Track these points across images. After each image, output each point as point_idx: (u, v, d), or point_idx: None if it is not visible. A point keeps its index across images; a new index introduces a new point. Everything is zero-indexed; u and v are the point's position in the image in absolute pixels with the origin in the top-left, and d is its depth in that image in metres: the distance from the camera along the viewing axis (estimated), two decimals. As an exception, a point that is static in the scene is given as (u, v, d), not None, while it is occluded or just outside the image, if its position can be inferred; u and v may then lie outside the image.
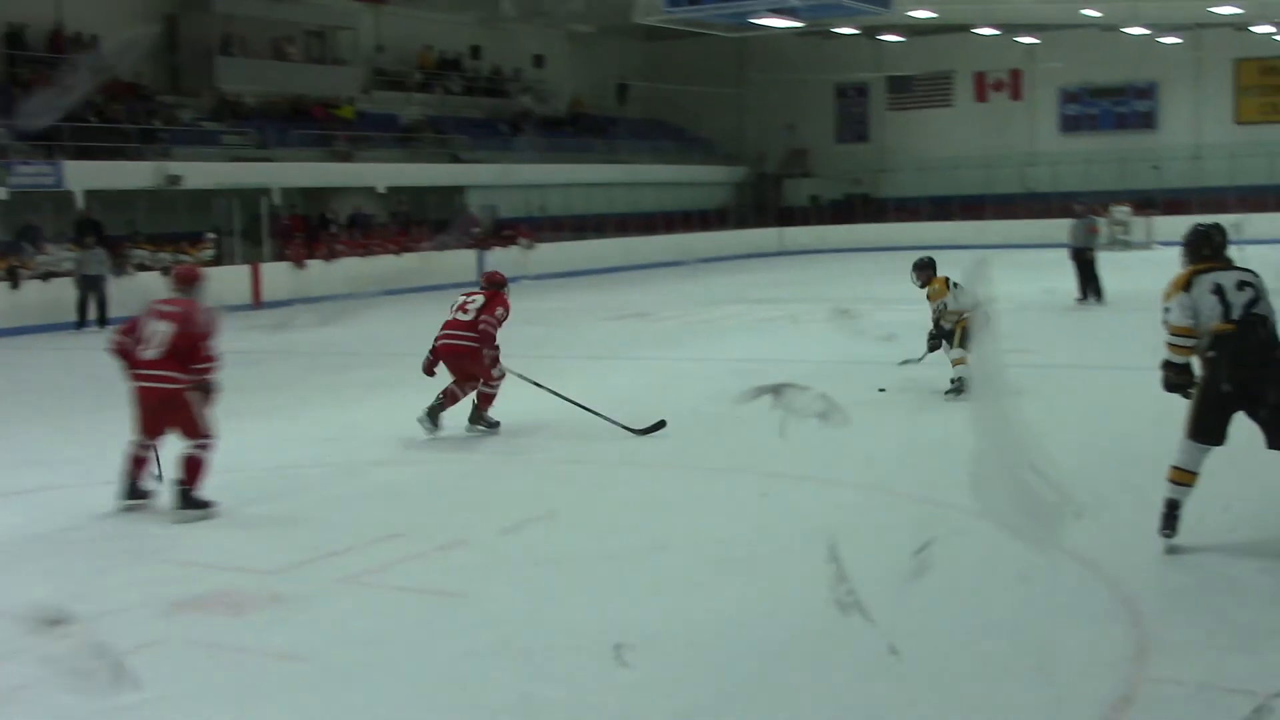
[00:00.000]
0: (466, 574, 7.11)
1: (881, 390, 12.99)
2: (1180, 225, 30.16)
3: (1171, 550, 6.83)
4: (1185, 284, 6.88)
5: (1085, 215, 22.67)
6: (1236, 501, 7.83)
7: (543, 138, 39.64)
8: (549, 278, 32.75)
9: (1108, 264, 22.69)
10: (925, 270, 13.13)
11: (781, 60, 44.71)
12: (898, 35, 43.11)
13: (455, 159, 35.92)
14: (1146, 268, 28.92)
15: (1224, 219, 8.14)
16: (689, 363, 16.53)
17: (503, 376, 11.20)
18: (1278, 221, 36.50)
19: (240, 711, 5.30)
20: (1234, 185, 39.67)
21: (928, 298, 12.97)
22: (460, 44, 40.06)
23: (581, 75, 43.90)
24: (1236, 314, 6.73)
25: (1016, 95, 45.43)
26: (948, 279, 12.78)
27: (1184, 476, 6.88)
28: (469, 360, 11.08)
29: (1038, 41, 42.81)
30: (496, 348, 11.17)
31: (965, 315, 12.41)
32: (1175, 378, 6.92)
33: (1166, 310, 6.89)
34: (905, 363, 13.84)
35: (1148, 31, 39.81)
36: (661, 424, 10.93)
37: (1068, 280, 21.87)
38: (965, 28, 40.55)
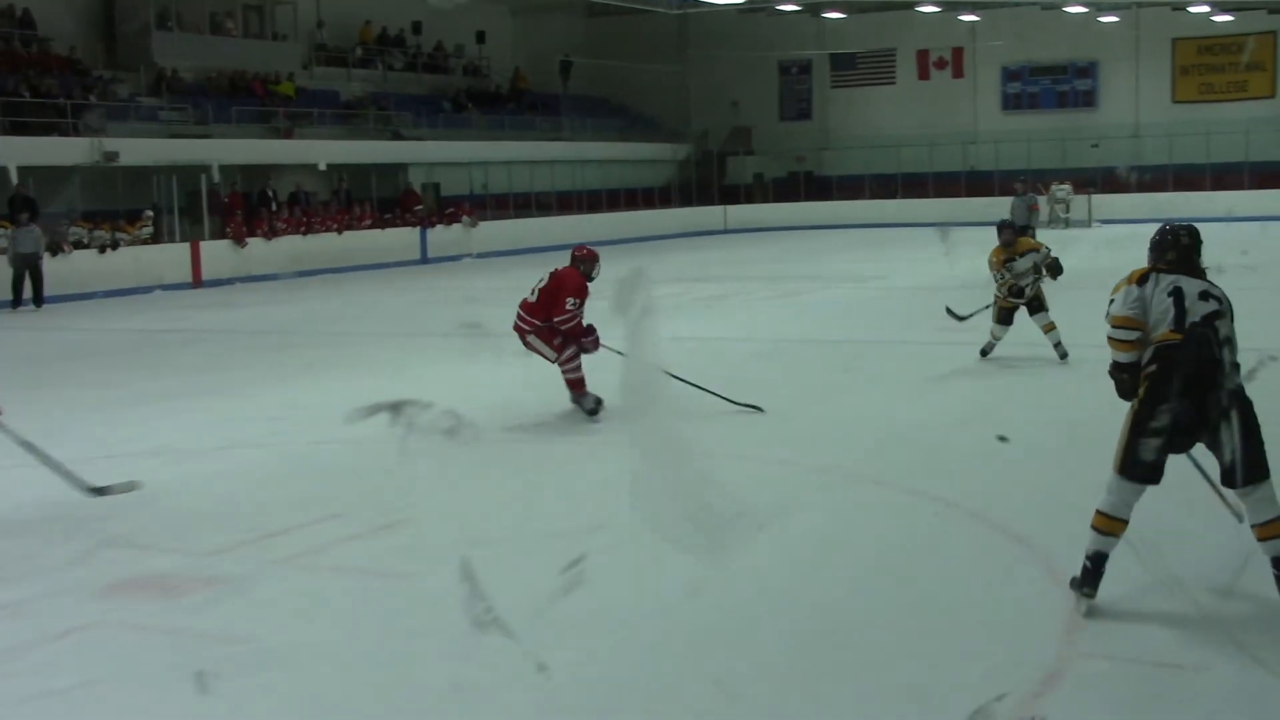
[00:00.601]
0: (404, 555, 7.08)
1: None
2: (1119, 203, 30.85)
3: (1090, 613, 5.71)
4: (1139, 279, 5.91)
5: (1026, 193, 22.89)
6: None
7: (485, 115, 39.47)
8: (492, 256, 32.69)
9: (1048, 242, 22.83)
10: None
11: (724, 37, 44.72)
12: (840, 12, 43.20)
13: (397, 136, 35.71)
14: (1087, 245, 29.22)
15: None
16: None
17: (575, 356, 10.92)
18: (1215, 200, 36.93)
19: (167, 694, 5.26)
20: (1172, 163, 40.07)
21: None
22: (402, 20, 39.76)
23: (524, 52, 43.71)
24: (1190, 322, 5.71)
25: (959, 73, 45.64)
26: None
27: (1112, 525, 5.78)
28: (535, 341, 10.97)
29: (979, 19, 43.03)
30: (586, 336, 11.00)
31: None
32: (1130, 380, 5.89)
33: (1110, 303, 5.94)
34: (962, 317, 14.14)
35: (1087, 10, 40.12)
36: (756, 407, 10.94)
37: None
38: (908, 5, 40.73)
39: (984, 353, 13.33)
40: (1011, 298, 13.12)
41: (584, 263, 11.19)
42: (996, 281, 13.25)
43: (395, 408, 7.00)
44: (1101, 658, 5.29)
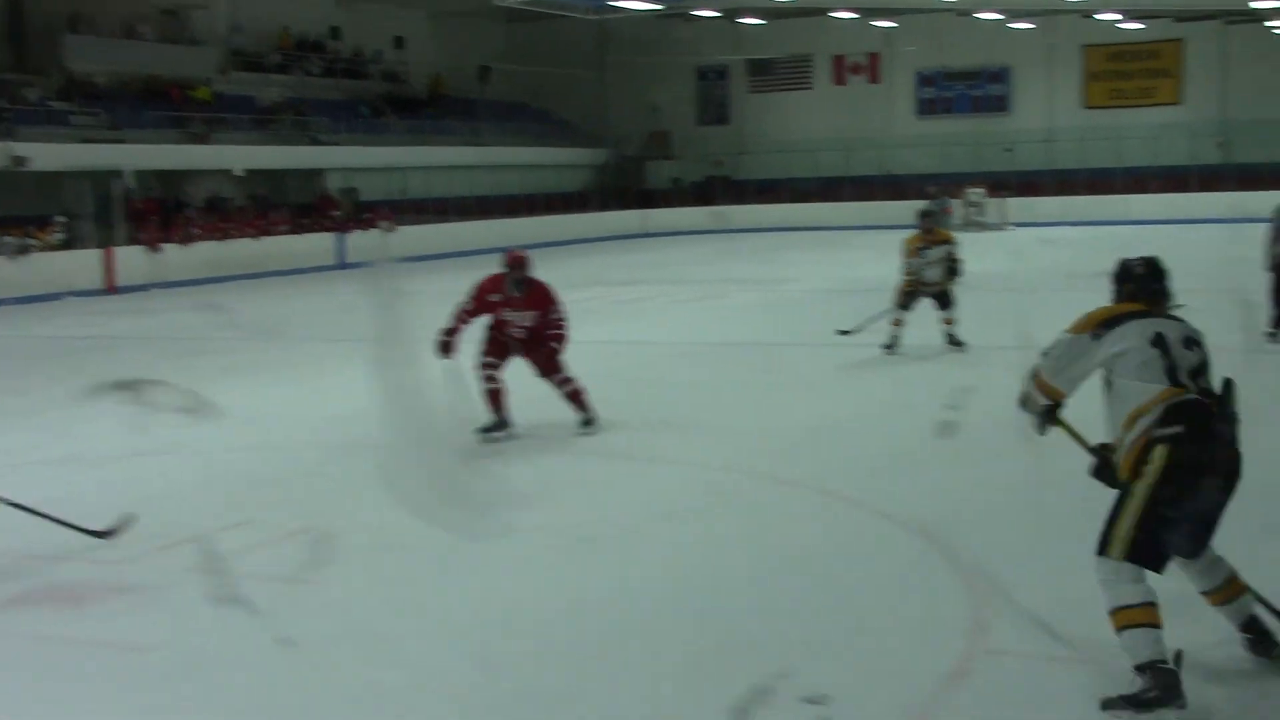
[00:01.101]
0: (312, 561, 7.04)
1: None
2: (1034, 207, 31.04)
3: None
4: (1104, 321, 5.06)
5: (940, 197, 23.10)
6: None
7: (403, 119, 39.28)
8: (410, 261, 32.47)
9: (962, 245, 23.07)
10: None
11: (642, 43, 44.85)
12: (757, 18, 43.44)
13: (315, 141, 35.44)
14: (1000, 249, 29.57)
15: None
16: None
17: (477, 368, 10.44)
18: (1121, 204, 37.59)
19: (69, 705, 5.21)
20: (1083, 167, 40.67)
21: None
22: (319, 25, 39.47)
23: (443, 57, 43.53)
24: (1185, 378, 4.86)
25: (874, 78, 46.05)
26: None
27: (1148, 614, 4.68)
28: None
29: (895, 25, 43.42)
30: (454, 336, 10.36)
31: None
32: (1034, 407, 5.25)
33: (1051, 349, 5.19)
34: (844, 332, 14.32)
35: (1000, 17, 40.62)
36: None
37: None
38: (823, 11, 41.00)
39: (888, 347, 13.73)
40: (921, 284, 13.72)
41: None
42: (906, 268, 13.79)
43: (130, 385, 6.95)
44: (1007, 654, 5.37)
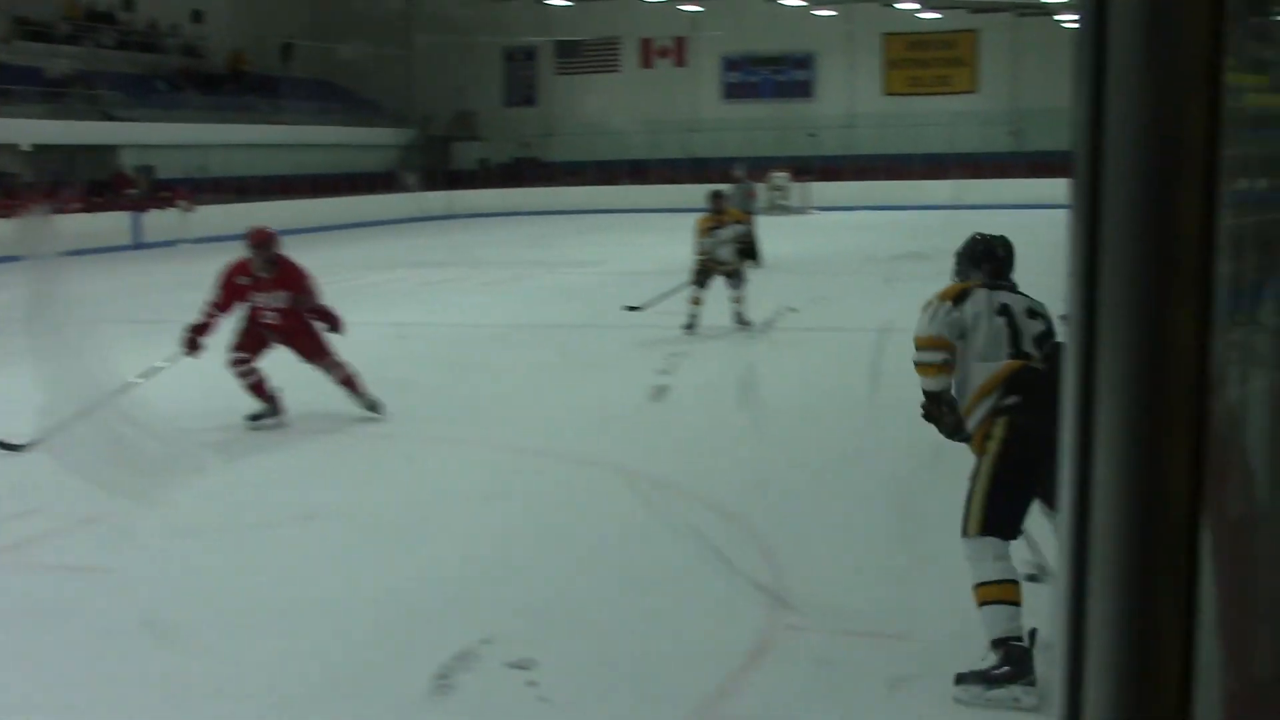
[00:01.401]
0: (107, 548, 6.82)
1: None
2: (836, 191, 31.54)
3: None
4: (955, 296, 5.11)
5: (744, 180, 23.35)
6: (866, 454, 8.23)
7: (203, 96, 38.25)
8: (210, 241, 31.65)
9: (766, 228, 23.43)
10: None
11: (450, 22, 44.40)
12: (565, 0, 43.40)
13: (108, 116, 34.28)
14: (803, 231, 30.08)
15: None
16: (355, 327, 16.21)
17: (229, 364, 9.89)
18: (921, 189, 38.52)
19: None
20: (883, 153, 41.61)
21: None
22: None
23: (242, 32, 42.50)
24: (1030, 346, 5.02)
25: (681, 62, 46.40)
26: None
27: (1008, 591, 4.77)
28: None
29: (701, 10, 43.79)
30: (204, 334, 9.83)
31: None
32: (950, 414, 5.10)
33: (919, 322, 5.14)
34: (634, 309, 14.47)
35: (804, 3, 41.27)
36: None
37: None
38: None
39: (688, 327, 13.95)
40: (713, 263, 14.03)
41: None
42: (698, 248, 14.11)
43: None
44: (806, 629, 5.46)
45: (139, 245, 30.89)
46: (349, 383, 10.01)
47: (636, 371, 12.37)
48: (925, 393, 5.09)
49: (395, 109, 46.38)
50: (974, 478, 4.93)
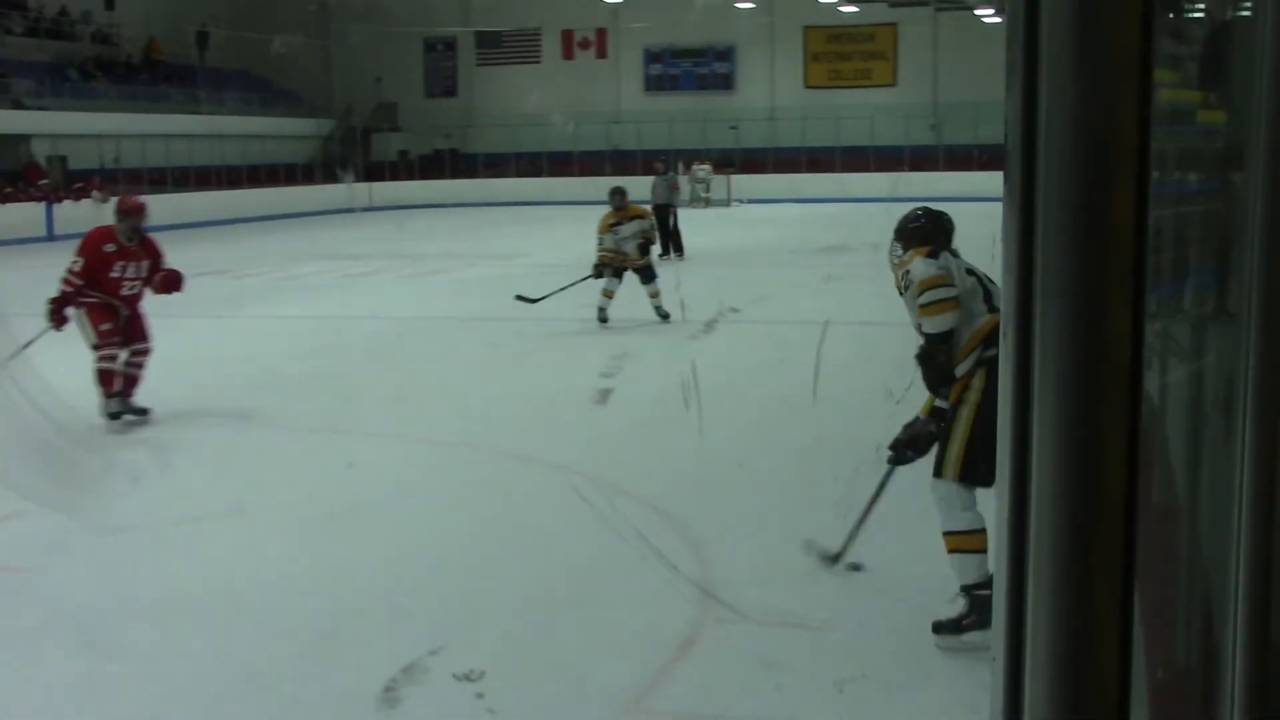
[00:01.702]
0: (25, 547, 6.70)
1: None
2: (757, 184, 31.57)
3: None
4: (929, 254, 5.20)
5: (667, 173, 23.37)
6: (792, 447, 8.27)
7: (116, 85, 37.67)
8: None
9: (689, 220, 23.47)
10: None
11: (369, 11, 44.02)
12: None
13: (18, 105, 33.65)
14: (726, 224, 30.17)
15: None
16: (272, 320, 16.10)
17: (97, 348, 9.50)
18: (842, 182, 38.74)
19: None
20: (805, 146, 41.80)
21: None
22: (23, -18, 37.51)
23: (157, 20, 41.89)
24: (998, 302, 4.91)
25: (602, 54, 46.37)
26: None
27: (976, 540, 4.99)
28: None
29: (622, 1, 43.76)
30: (68, 305, 9.55)
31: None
32: (945, 360, 5.10)
33: (906, 274, 5.16)
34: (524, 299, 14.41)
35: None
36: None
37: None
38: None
39: (602, 319, 14.06)
40: (618, 258, 14.12)
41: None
42: (600, 244, 14.18)
43: None
44: (734, 621, 5.48)
45: (52, 237, 30.36)
46: (133, 378, 9.61)
47: (564, 365, 12.36)
48: (930, 335, 5.06)
49: (314, 100, 45.94)
50: (952, 425, 5.05)
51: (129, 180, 34.43)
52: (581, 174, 41.88)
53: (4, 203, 30.37)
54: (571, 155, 43.20)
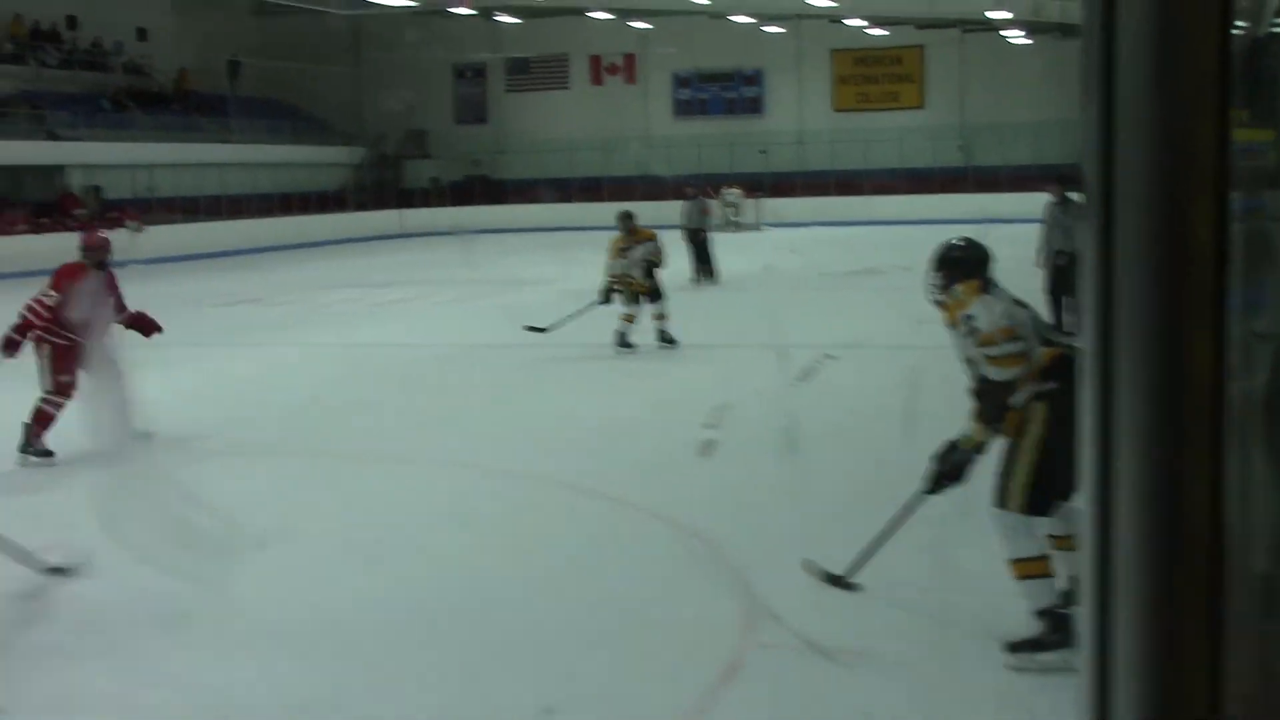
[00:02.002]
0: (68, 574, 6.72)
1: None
2: (788, 207, 31.50)
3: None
4: (979, 290, 5.30)
5: (698, 197, 23.37)
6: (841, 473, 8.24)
7: (149, 115, 37.98)
8: (159, 262, 31.43)
9: (720, 244, 23.46)
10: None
11: (399, 40, 44.27)
12: (514, 17, 43.36)
13: (53, 136, 33.97)
14: (757, 248, 30.15)
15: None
16: (307, 348, 16.17)
17: (49, 394, 9.40)
18: (871, 205, 38.72)
19: None
20: (834, 169, 41.79)
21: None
22: (55, 13, 37.87)
23: (188, 51, 42.24)
24: (1048, 334, 5.35)
25: (631, 79, 46.48)
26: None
27: (1043, 565, 5.11)
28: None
29: (650, 27, 43.88)
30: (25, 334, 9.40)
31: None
32: (1000, 401, 5.18)
33: (970, 318, 5.20)
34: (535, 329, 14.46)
35: (753, 20, 41.42)
36: None
37: (683, 260, 22.48)
38: (580, 11, 41.17)
39: (623, 345, 14.03)
40: (626, 282, 14.09)
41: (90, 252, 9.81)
42: (609, 269, 14.21)
43: None
44: (777, 648, 5.46)
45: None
46: (48, 410, 9.46)
47: (594, 390, 12.37)
48: (992, 382, 5.14)
49: (345, 128, 46.20)
50: (1014, 455, 5.12)
51: (162, 209, 34.72)
52: (611, 199, 41.89)
53: (40, 233, 30.60)
54: (601, 180, 43.28)
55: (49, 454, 9.43)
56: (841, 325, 15.75)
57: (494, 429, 10.57)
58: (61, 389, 9.44)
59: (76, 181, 34.03)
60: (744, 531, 7.14)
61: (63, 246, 31.18)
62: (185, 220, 35.22)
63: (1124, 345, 0.94)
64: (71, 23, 38.49)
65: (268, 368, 14.47)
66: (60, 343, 9.45)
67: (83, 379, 9.42)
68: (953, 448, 5.38)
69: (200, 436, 10.20)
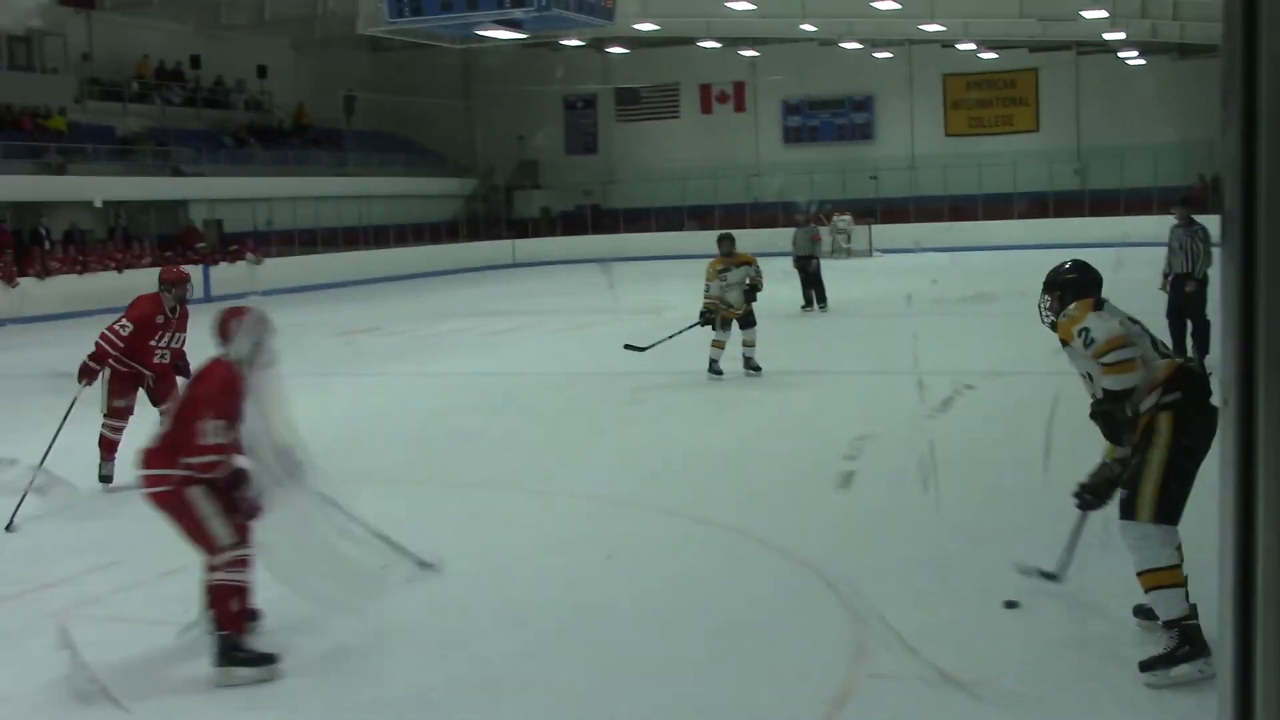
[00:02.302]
0: (185, 602, 6.83)
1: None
2: (898, 233, 31.35)
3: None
4: (1094, 306, 5.44)
5: (809, 224, 23.28)
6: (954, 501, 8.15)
7: (268, 150, 38.75)
8: (277, 293, 32.03)
9: (831, 271, 23.34)
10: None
11: (509, 72, 44.76)
12: (623, 48, 43.64)
13: (177, 172, 34.79)
14: (867, 274, 29.98)
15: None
16: (420, 377, 16.35)
17: (107, 416, 9.76)
18: (984, 230, 38.32)
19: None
20: (946, 194, 41.44)
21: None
22: (179, 53, 38.82)
23: (305, 87, 43.07)
24: (1163, 348, 5.46)
25: (740, 107, 46.50)
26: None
27: (1174, 576, 5.12)
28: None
29: (759, 55, 43.91)
30: (97, 359, 9.59)
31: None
32: (1120, 413, 5.27)
33: (1085, 331, 5.32)
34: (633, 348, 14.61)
35: (862, 46, 41.28)
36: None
37: (791, 287, 22.40)
38: (689, 40, 41.34)
39: (715, 371, 13.99)
40: (722, 306, 14.03)
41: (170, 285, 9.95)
42: (706, 291, 14.18)
43: None
44: (887, 678, 5.40)
45: (209, 298, 31.23)
46: (107, 436, 9.83)
47: (709, 418, 12.35)
48: (1111, 392, 5.22)
49: (457, 159, 46.75)
50: (1141, 468, 5.15)
51: (280, 241, 35.39)
52: (722, 227, 41.90)
53: (164, 265, 31.27)
54: (712, 209, 43.29)
55: (107, 479, 9.72)
56: (961, 353, 15.57)
57: (601, 457, 10.59)
58: (115, 413, 9.74)
59: (199, 216, 34.80)
60: (851, 559, 7.07)
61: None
62: (302, 252, 35.87)
63: (1266, 367, 0.91)
64: (195, 62, 39.41)
65: (384, 395, 14.66)
66: (122, 369, 9.72)
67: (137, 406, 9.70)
68: (1102, 467, 5.55)
69: (324, 463, 10.29)
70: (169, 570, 7.34)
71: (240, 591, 5.75)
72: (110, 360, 9.64)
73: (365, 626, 6.21)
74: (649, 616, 6.36)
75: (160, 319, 9.80)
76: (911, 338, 15.35)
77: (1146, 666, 5.09)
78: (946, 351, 15.46)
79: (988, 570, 6.59)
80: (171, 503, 5.73)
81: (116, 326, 9.65)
